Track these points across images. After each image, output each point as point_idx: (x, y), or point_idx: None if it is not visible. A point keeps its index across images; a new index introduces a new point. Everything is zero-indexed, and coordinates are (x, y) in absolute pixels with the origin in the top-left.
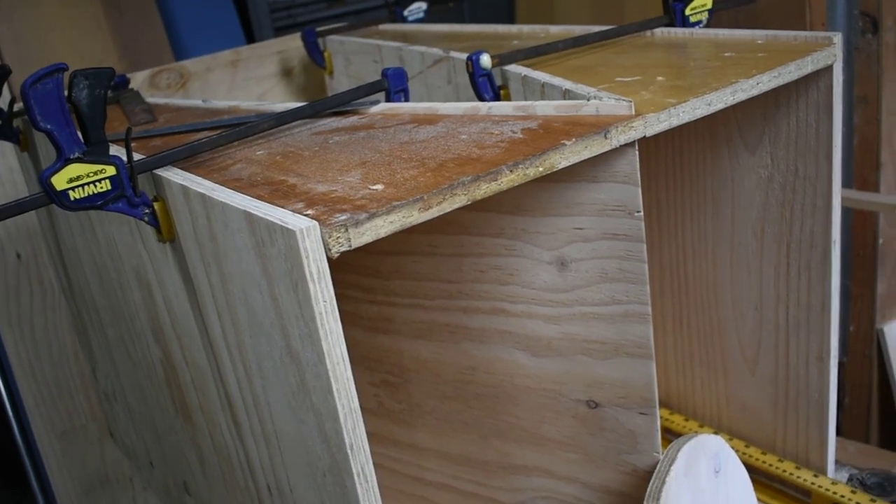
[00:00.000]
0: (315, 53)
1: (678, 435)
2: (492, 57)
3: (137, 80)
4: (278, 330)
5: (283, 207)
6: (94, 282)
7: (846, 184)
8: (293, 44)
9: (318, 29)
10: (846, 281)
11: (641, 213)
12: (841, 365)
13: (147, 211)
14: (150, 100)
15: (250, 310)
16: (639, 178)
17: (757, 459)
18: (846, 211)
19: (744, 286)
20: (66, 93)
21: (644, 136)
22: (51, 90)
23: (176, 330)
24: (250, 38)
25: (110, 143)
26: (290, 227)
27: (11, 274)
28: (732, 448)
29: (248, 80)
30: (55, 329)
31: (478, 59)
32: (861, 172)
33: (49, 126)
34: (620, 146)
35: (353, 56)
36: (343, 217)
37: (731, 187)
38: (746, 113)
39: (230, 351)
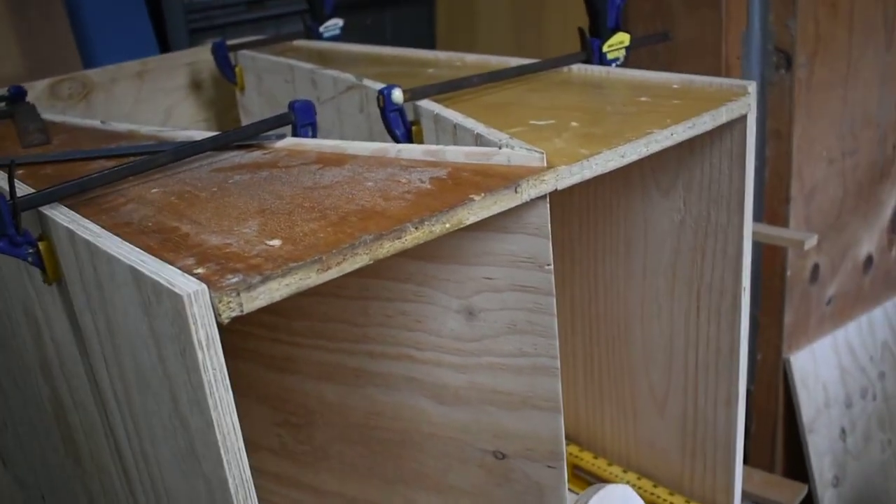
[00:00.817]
0: (226, 68)
1: (587, 472)
2: (404, 91)
3: (37, 89)
4: (167, 392)
5: (171, 264)
6: None
7: (756, 216)
8: (204, 56)
9: (230, 42)
10: (755, 311)
11: (551, 267)
12: (748, 393)
13: (31, 251)
14: (47, 115)
15: (138, 366)
16: (549, 231)
17: (664, 500)
18: (756, 242)
19: (654, 328)
20: None
21: (555, 189)
22: None
23: (64, 371)
24: (163, 40)
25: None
26: (176, 290)
27: None
28: (640, 487)
29: (156, 91)
30: None
31: (389, 94)
32: (771, 206)
33: None
34: (531, 199)
35: (265, 74)
36: (235, 279)
37: (643, 229)
38: (660, 157)
39: (118, 402)
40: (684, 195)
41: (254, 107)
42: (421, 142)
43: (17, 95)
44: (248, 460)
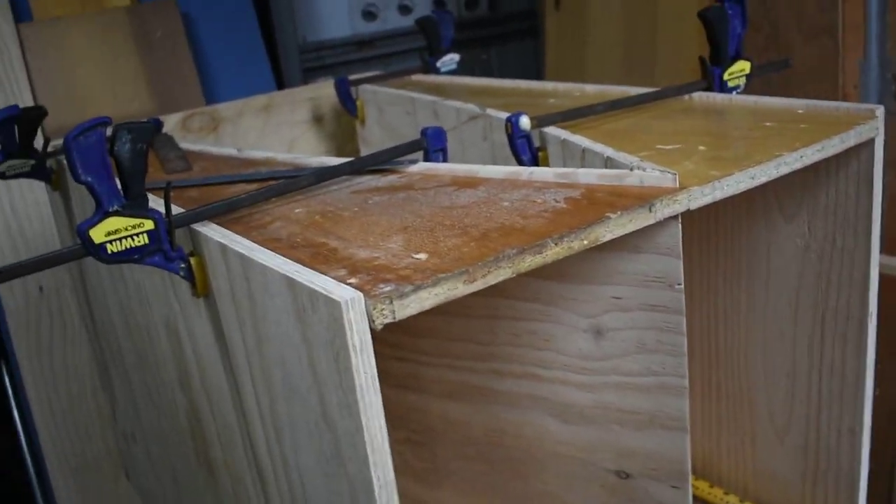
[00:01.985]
0: (347, 102)
1: (703, 501)
2: (530, 118)
3: (170, 122)
4: (315, 396)
5: (325, 274)
6: (120, 323)
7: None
8: (325, 91)
9: (351, 77)
10: None
11: (682, 286)
12: None
13: (183, 266)
14: (183, 145)
15: (286, 373)
16: (681, 251)
17: None
18: None
19: (776, 354)
20: (108, 146)
21: (688, 209)
22: (93, 143)
23: (204, 383)
24: (279, 79)
25: (147, 192)
26: (334, 296)
27: (33, 306)
28: None
29: (280, 125)
30: (74, 364)
31: (517, 121)
32: (891, 236)
33: (90, 179)
34: (664, 219)
35: (386, 106)
36: (388, 288)
37: (766, 255)
38: (785, 182)
39: (261, 411)
40: (809, 220)
41: (374, 138)
42: (548, 167)
43: (155, 128)
44: None
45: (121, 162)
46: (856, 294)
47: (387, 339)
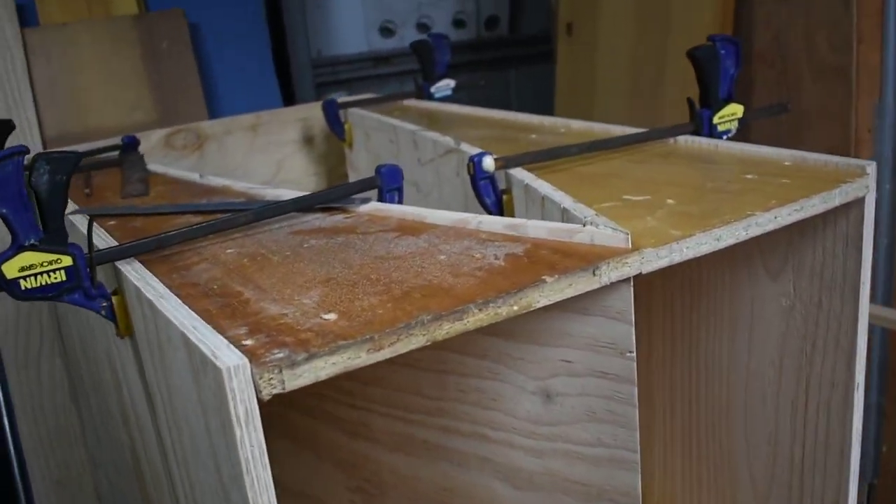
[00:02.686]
0: (335, 125)
1: None
2: (495, 159)
3: (152, 139)
4: (212, 462)
5: (223, 332)
6: (79, 347)
7: (885, 300)
8: (316, 111)
9: (341, 100)
10: (881, 398)
11: (634, 354)
12: (870, 487)
13: (104, 304)
14: (154, 166)
15: (191, 433)
16: (632, 317)
17: None
18: (883, 329)
19: (758, 417)
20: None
21: (640, 273)
22: (9, 173)
23: (139, 425)
24: (290, 93)
25: (91, 216)
26: (217, 362)
27: (23, 316)
28: None
29: (268, 144)
30: (61, 376)
31: (480, 161)
32: None
33: (4, 210)
34: (612, 283)
35: (372, 132)
36: (280, 355)
37: (749, 312)
38: (769, 237)
39: (178, 465)
40: (794, 280)
41: (361, 164)
42: (511, 212)
43: (130, 145)
44: None
45: (38, 194)
46: (842, 361)
47: (339, 385)
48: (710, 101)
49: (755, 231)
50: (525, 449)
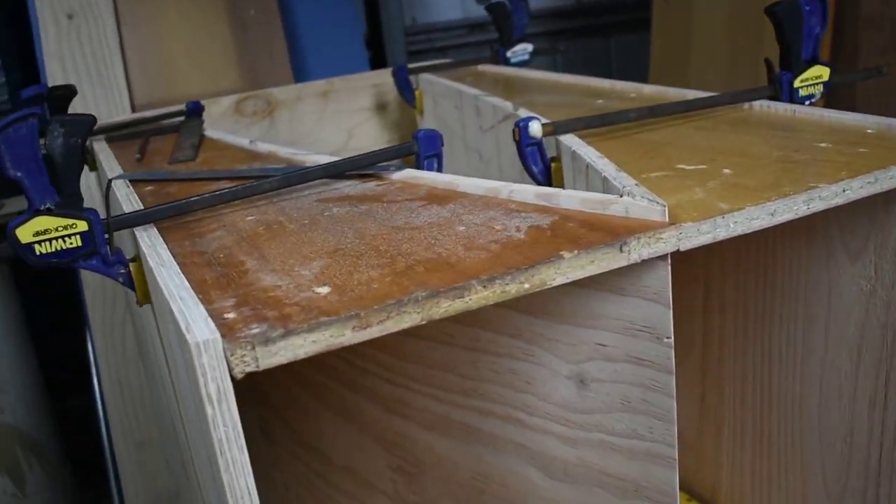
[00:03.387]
0: (406, 91)
1: None
2: (544, 125)
3: (222, 105)
4: (202, 439)
5: (209, 304)
6: (138, 311)
7: None
8: (389, 78)
9: (411, 66)
10: None
11: (671, 340)
12: None
13: (123, 271)
14: (209, 132)
15: (189, 402)
16: (670, 298)
17: None
18: None
19: (833, 413)
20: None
21: (678, 250)
22: (24, 136)
23: (175, 387)
24: (383, 63)
25: (133, 181)
26: (188, 337)
27: (109, 283)
28: None
29: (339, 112)
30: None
31: (526, 127)
32: None
33: (19, 174)
34: (645, 259)
35: (440, 98)
36: (256, 331)
37: (826, 296)
38: (850, 213)
39: (186, 431)
40: (876, 261)
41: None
42: (560, 181)
43: (194, 111)
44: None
45: (53, 158)
46: None
47: (378, 359)
48: (791, 63)
49: (818, 206)
50: (560, 437)
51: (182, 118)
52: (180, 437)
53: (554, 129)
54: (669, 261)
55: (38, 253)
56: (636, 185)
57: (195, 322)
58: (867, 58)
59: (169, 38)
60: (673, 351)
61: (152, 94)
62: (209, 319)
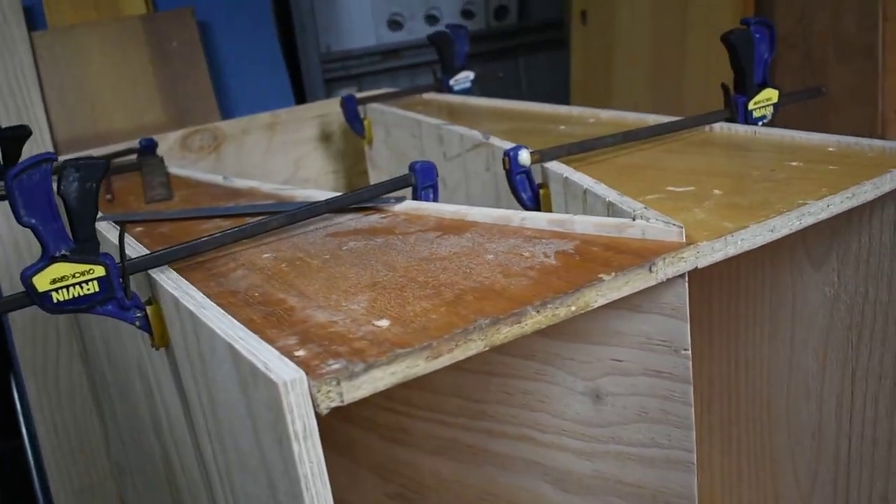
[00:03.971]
0: (354, 121)
1: None
2: (531, 153)
3: (169, 140)
4: (264, 477)
5: (272, 342)
6: (104, 355)
7: None
8: (333, 108)
9: (360, 95)
10: None
11: (689, 352)
12: None
13: (139, 315)
14: (174, 169)
15: (237, 445)
16: (687, 313)
17: None
18: None
19: (801, 411)
20: (54, 184)
21: (696, 268)
22: (37, 182)
23: (173, 435)
24: (300, 90)
25: (118, 223)
26: (272, 376)
27: (39, 323)
28: None
29: (286, 143)
30: (80, 382)
31: (516, 156)
32: None
33: (34, 221)
34: (668, 279)
35: (393, 128)
36: (336, 366)
37: (791, 302)
38: (813, 226)
39: (220, 475)
40: (839, 268)
41: (381, 160)
42: (549, 206)
43: (148, 148)
44: None
45: (68, 202)
46: (890, 351)
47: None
48: (744, 87)
49: (808, 220)
50: (575, 451)
51: (134, 155)
52: (190, 478)
53: (541, 157)
54: (686, 278)
55: (55, 301)
56: (645, 208)
57: (271, 361)
58: (783, 76)
59: (89, 73)
60: (690, 362)
61: (74, 131)
62: (284, 358)
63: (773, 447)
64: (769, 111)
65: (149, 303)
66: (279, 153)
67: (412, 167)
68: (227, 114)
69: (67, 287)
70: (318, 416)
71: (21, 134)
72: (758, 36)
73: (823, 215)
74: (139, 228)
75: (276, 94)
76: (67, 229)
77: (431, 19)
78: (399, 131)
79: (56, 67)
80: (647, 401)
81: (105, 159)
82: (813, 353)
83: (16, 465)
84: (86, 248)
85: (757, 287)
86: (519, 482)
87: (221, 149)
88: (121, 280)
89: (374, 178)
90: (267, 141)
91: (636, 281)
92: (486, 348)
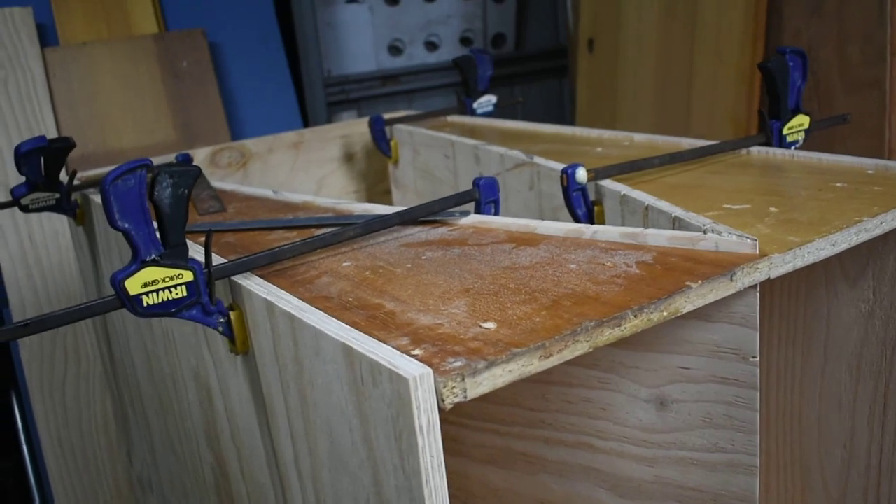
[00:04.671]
0: (381, 141)
1: None
2: (587, 171)
3: (198, 157)
4: (369, 474)
5: (385, 342)
6: (142, 368)
7: None
8: (356, 128)
9: (387, 117)
10: None
11: (757, 359)
12: None
13: (222, 321)
14: (215, 183)
15: (334, 444)
16: (757, 322)
17: None
18: None
19: (833, 422)
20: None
21: (768, 278)
22: (132, 187)
23: (235, 441)
24: (303, 112)
25: (193, 232)
26: (400, 372)
27: (47, 340)
28: None
29: (310, 162)
30: (87, 400)
31: (573, 173)
32: None
33: (127, 225)
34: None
35: (423, 148)
36: (458, 363)
37: (825, 318)
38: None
39: (302, 479)
40: (874, 285)
41: (407, 180)
42: (602, 222)
43: (184, 162)
44: None
45: (161, 208)
46: None
47: None
48: (779, 112)
49: (865, 236)
50: (635, 457)
51: None
52: (255, 485)
53: (596, 175)
54: (758, 289)
55: (145, 304)
56: (714, 222)
57: (395, 359)
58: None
59: (101, 91)
60: (758, 369)
61: (85, 148)
62: (406, 356)
63: (804, 458)
64: (801, 136)
65: (231, 308)
66: (303, 171)
67: (476, 183)
68: (236, 133)
69: (157, 291)
70: (443, 411)
71: (65, 146)
72: (792, 64)
73: (877, 231)
74: (202, 239)
75: (284, 114)
76: (157, 235)
77: (431, 46)
78: (430, 152)
79: (68, 84)
80: (712, 407)
81: (197, 167)
82: (846, 365)
83: (17, 484)
84: (175, 252)
85: (791, 304)
86: (574, 489)
87: (248, 166)
88: (206, 285)
89: (399, 197)
90: (292, 160)
91: (720, 289)
92: (591, 349)
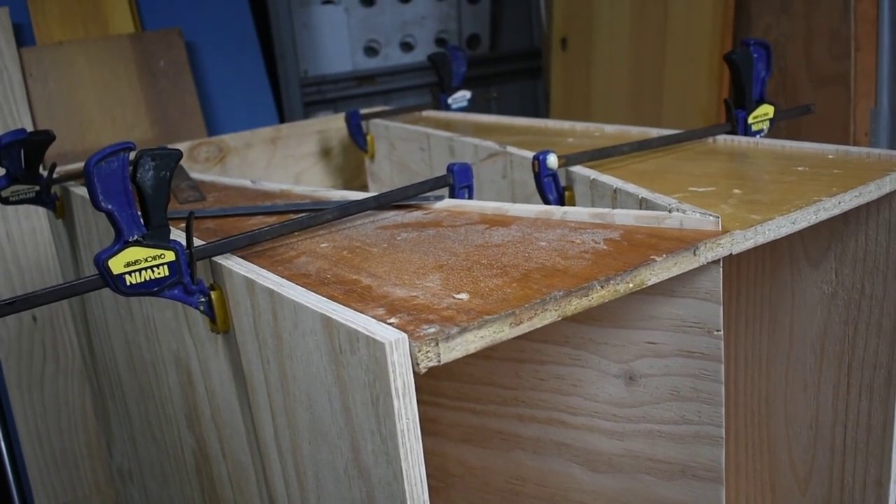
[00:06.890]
0: (358, 136)
1: None
2: (558, 157)
3: None
4: (347, 441)
5: (363, 313)
6: (122, 358)
7: None
8: (333, 124)
9: (362, 112)
10: None
11: (721, 332)
12: None
13: (203, 300)
14: (194, 175)
15: (313, 415)
16: (721, 296)
17: None
18: None
19: (799, 403)
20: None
21: (730, 254)
22: (115, 169)
23: (216, 421)
24: (280, 112)
25: (172, 219)
26: (377, 337)
27: (26, 336)
28: None
29: (287, 157)
30: (66, 396)
31: (545, 159)
32: None
33: (111, 206)
34: (706, 263)
35: (398, 142)
36: (432, 329)
37: (790, 300)
38: (813, 228)
39: (282, 453)
40: (836, 266)
41: (384, 174)
42: (573, 206)
43: (167, 147)
44: None
45: (143, 190)
46: (885, 342)
47: None
48: (744, 103)
49: (824, 215)
50: (606, 432)
51: None
52: (235, 464)
53: (566, 162)
54: (721, 264)
55: (128, 283)
56: (679, 202)
57: (371, 325)
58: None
59: (78, 89)
60: (722, 342)
61: (62, 146)
62: (381, 323)
63: (771, 439)
64: (766, 125)
65: (212, 288)
66: (280, 167)
67: (450, 168)
68: (213, 132)
69: (140, 270)
70: (418, 375)
71: (45, 139)
72: (756, 55)
73: (836, 211)
74: (183, 224)
75: (261, 114)
76: (139, 216)
77: (406, 46)
78: (406, 145)
79: (44, 84)
80: (679, 380)
81: (178, 151)
82: (811, 346)
83: None
84: (158, 233)
85: (756, 287)
86: (548, 465)
87: (226, 161)
88: (188, 265)
89: (376, 191)
90: (269, 155)
91: (683, 263)
92: (559, 318)
